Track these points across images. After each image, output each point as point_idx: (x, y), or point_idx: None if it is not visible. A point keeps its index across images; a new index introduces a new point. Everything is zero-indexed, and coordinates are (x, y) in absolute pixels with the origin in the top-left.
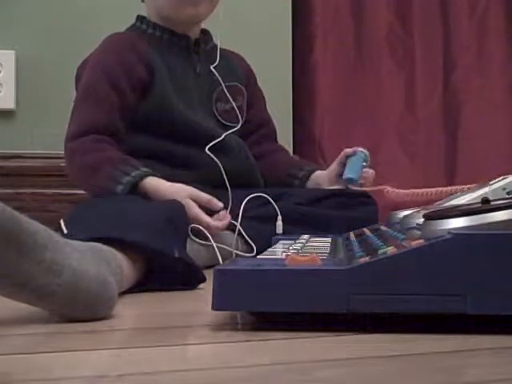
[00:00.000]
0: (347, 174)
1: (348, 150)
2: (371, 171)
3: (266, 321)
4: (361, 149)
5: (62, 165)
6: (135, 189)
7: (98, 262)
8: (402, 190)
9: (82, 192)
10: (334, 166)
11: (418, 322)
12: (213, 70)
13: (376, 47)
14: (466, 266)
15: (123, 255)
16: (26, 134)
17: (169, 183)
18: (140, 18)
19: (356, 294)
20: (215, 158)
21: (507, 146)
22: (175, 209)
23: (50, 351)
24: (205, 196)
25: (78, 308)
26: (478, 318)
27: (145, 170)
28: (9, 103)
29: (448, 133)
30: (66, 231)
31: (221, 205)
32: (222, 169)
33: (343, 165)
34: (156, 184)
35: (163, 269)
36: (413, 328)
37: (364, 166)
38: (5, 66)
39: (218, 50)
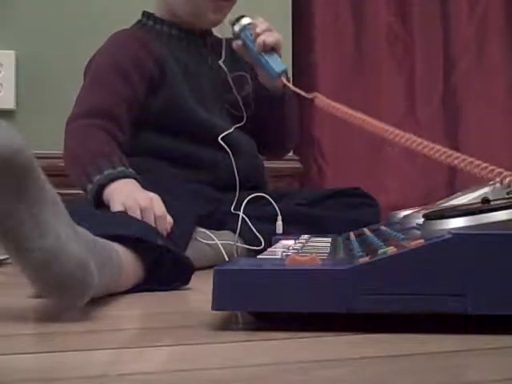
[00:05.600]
0: (276, 69)
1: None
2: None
3: (266, 321)
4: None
5: (62, 165)
6: (101, 193)
7: (91, 252)
8: (331, 102)
9: (82, 192)
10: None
11: (419, 322)
12: (221, 64)
13: (376, 47)
14: (466, 266)
15: (124, 254)
16: (26, 134)
17: (126, 192)
18: (146, 15)
19: (356, 294)
20: (227, 148)
21: (507, 146)
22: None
23: (50, 351)
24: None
25: (48, 280)
26: (478, 318)
27: (120, 169)
28: (9, 103)
29: (448, 133)
30: None
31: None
32: (234, 164)
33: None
34: (111, 192)
35: (154, 262)
36: (413, 328)
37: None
38: (5, 66)
39: (224, 45)
